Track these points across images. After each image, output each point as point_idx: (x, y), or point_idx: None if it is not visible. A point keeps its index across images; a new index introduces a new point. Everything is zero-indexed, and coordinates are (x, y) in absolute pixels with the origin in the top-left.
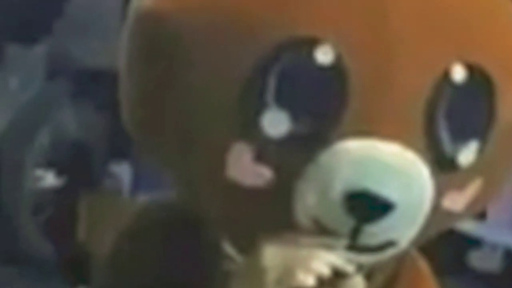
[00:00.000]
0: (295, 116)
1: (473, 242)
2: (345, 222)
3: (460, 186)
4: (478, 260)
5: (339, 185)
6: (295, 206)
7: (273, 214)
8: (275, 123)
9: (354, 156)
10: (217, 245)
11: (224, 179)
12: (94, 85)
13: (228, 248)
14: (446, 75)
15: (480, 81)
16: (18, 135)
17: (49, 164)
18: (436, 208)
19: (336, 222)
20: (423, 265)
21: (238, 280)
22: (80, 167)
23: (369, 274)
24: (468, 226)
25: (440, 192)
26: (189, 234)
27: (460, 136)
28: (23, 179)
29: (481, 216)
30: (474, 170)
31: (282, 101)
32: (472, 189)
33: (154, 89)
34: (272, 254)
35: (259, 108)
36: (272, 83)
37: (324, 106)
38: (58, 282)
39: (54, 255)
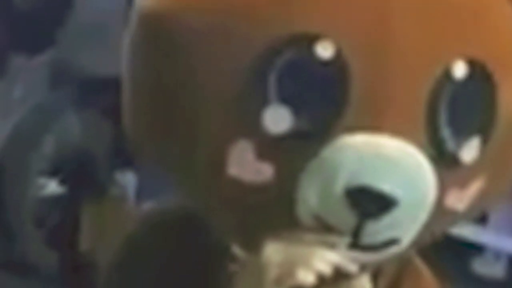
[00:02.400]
0: (297, 112)
1: (476, 249)
2: (347, 219)
3: (463, 183)
4: (481, 266)
5: (341, 181)
6: (297, 203)
7: (275, 211)
8: (277, 119)
9: (357, 151)
10: (224, 247)
11: (227, 177)
12: (98, 93)
13: (236, 250)
14: (447, 71)
15: (481, 78)
16: (23, 143)
17: (53, 172)
18: (439, 205)
19: (338, 218)
20: (426, 272)
21: (240, 277)
22: (84, 175)
23: (371, 278)
24: (470, 233)
25: (442, 189)
26: (195, 238)
27: (462, 132)
28: (27, 187)
29: (483, 220)
30: (477, 167)
31: (284, 97)
32: (475, 187)
33: (156, 89)
34: (273, 251)
35: (261, 104)
36: (273, 79)
37: (326, 101)
38: None
39: (58, 263)
